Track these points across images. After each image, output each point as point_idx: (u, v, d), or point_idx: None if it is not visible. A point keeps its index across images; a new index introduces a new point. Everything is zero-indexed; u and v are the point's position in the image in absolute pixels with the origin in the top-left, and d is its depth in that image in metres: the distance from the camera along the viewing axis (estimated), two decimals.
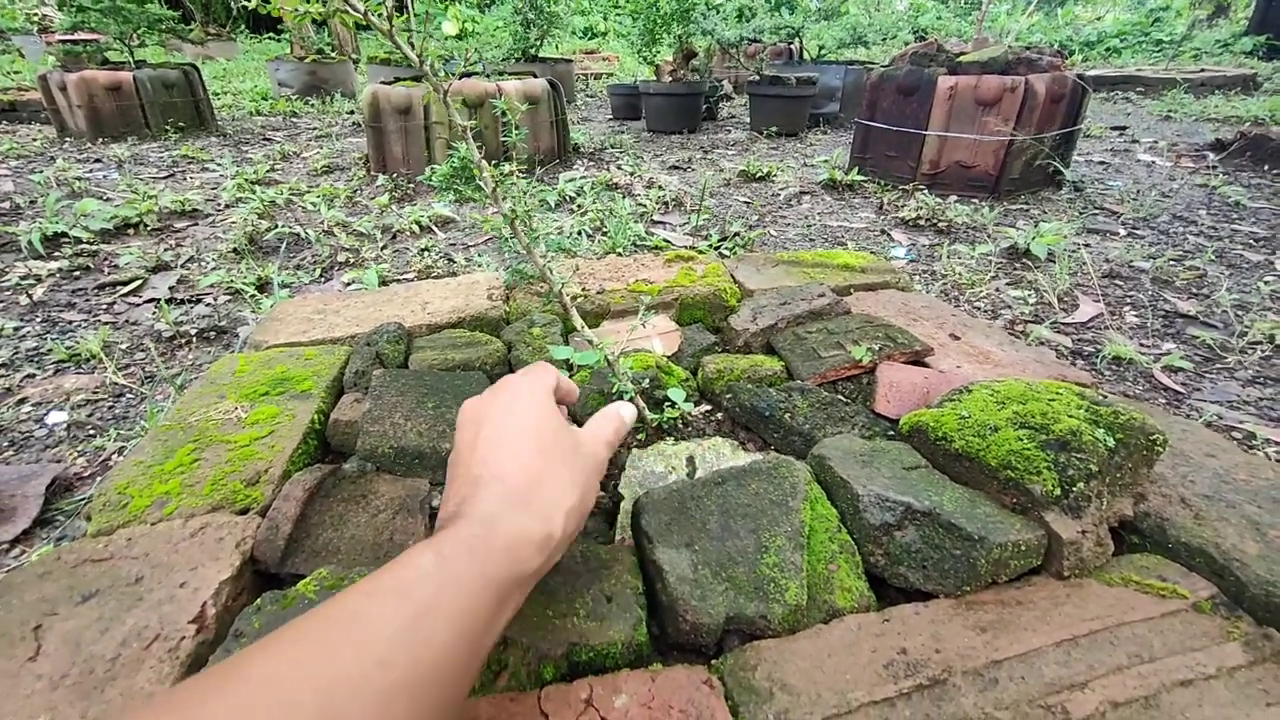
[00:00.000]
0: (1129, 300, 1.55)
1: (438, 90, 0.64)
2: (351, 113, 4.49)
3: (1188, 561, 0.55)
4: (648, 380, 0.82)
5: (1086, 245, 1.93)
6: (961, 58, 2.46)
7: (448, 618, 0.35)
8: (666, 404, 0.80)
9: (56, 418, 1.07)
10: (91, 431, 1.04)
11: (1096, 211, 2.27)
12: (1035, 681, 0.46)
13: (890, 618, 0.52)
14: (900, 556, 0.55)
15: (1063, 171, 2.39)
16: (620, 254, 1.71)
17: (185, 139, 3.48)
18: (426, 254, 1.77)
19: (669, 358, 0.95)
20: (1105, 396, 0.65)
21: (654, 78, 3.90)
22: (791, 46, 4.92)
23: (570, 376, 0.85)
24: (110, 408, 1.10)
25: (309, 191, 2.35)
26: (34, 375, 1.18)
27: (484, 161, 0.67)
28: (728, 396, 0.82)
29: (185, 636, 0.49)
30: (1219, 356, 1.27)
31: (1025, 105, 2.30)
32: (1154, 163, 3.04)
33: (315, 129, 3.90)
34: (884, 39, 7.39)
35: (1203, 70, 5.99)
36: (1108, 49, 8.63)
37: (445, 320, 1.03)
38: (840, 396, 0.82)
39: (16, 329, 1.35)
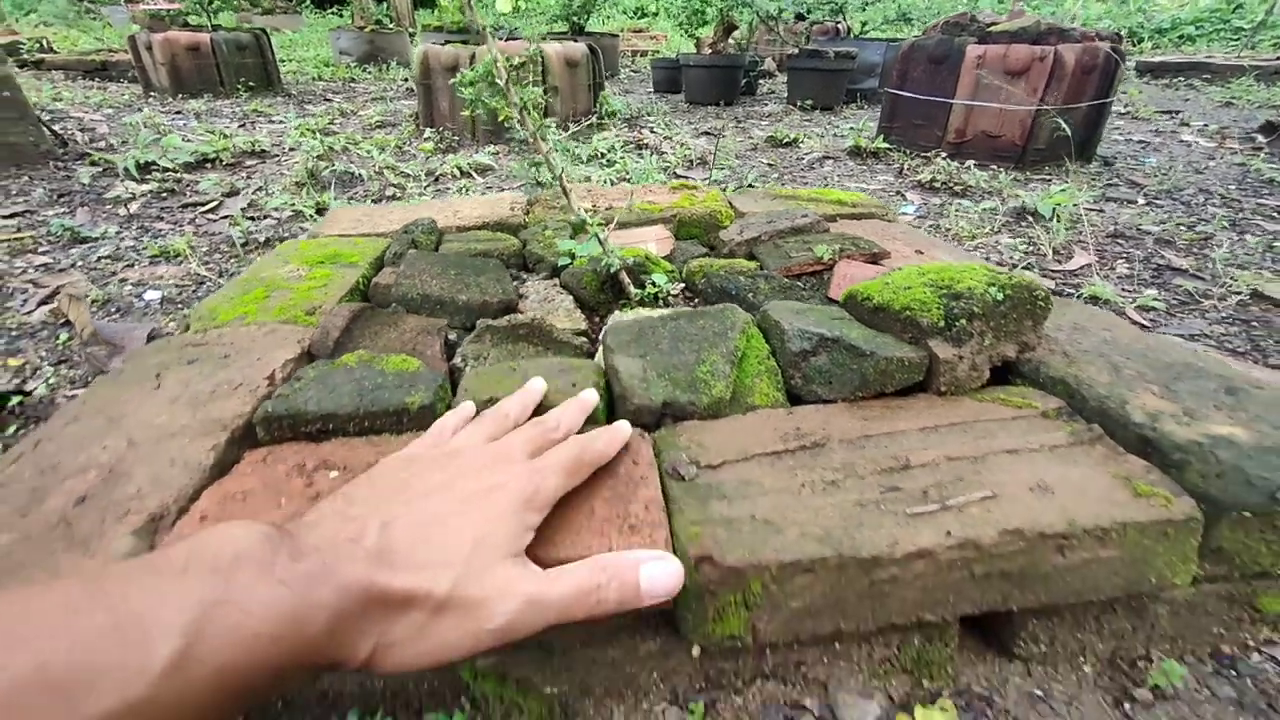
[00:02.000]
0: (1125, 255, 1.61)
1: (490, 48, 0.78)
2: (406, 80, 4.73)
3: (1050, 389, 0.67)
4: (634, 262, 0.96)
5: (1100, 210, 1.97)
6: (992, 28, 2.48)
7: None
8: (650, 284, 0.95)
9: (152, 295, 1.28)
10: (180, 306, 1.25)
11: (1120, 183, 2.29)
12: (894, 446, 0.59)
13: (794, 412, 0.65)
14: (813, 376, 0.69)
15: (1065, 131, 2.40)
16: (631, 183, 1.84)
17: (255, 97, 3.76)
18: (466, 193, 1.95)
19: (663, 259, 1.09)
20: (1012, 272, 0.77)
21: (694, 50, 3.99)
22: (838, 25, 4.93)
23: (571, 264, 1.00)
24: (194, 291, 1.31)
25: (363, 141, 2.56)
26: (132, 265, 1.41)
27: (503, 67, 0.82)
28: (702, 280, 0.96)
29: (259, 385, 0.66)
30: (1195, 301, 1.34)
31: (1054, 75, 2.33)
32: (1196, 143, 2.99)
33: (371, 92, 4.15)
34: (934, 17, 7.24)
35: (1279, 58, 5.69)
36: (1181, 36, 8.23)
37: (472, 224, 1.19)
38: (800, 285, 0.94)
39: (117, 233, 1.58)
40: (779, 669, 0.56)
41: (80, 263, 1.40)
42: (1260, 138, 3.01)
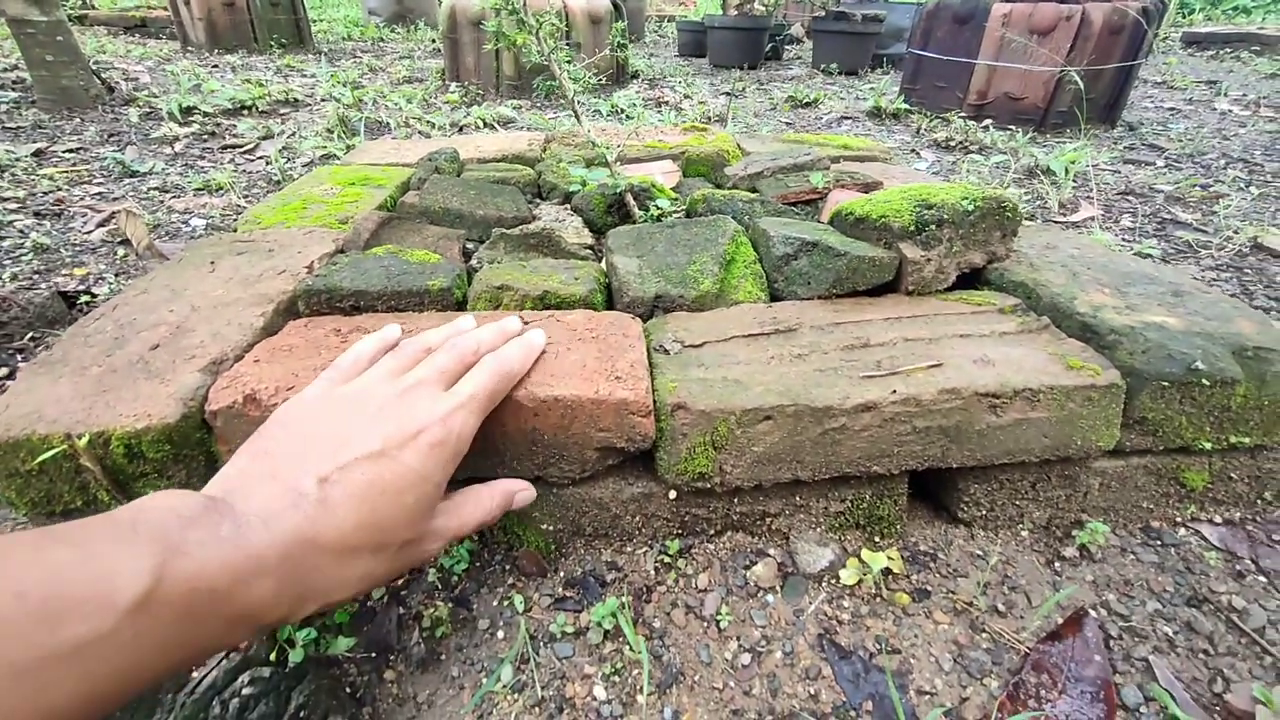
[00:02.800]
0: (1131, 210, 1.62)
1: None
2: (433, 39, 4.76)
3: (1012, 292, 0.73)
4: (640, 187, 1.03)
5: (1115, 171, 1.96)
6: None
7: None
8: (654, 207, 1.01)
9: (197, 222, 1.38)
10: (223, 229, 1.34)
11: (1142, 147, 2.27)
12: (858, 331, 0.65)
13: (773, 306, 0.72)
14: (793, 278, 0.75)
15: (1080, 86, 2.37)
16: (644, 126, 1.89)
17: (287, 53, 3.84)
18: (489, 135, 2.02)
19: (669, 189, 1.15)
20: (990, 189, 0.82)
21: (720, 12, 3.96)
22: None
23: (583, 189, 1.07)
24: (234, 218, 1.41)
25: (391, 94, 2.63)
26: (179, 196, 1.51)
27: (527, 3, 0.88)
28: (702, 204, 1.02)
29: (299, 271, 0.75)
30: (1193, 250, 1.36)
31: (1079, 35, 2.30)
32: (1230, 110, 2.92)
33: (399, 51, 4.20)
34: None
35: None
36: (1235, 7, 7.86)
37: (492, 156, 1.26)
38: (794, 209, 1.00)
39: (164, 169, 1.68)
40: (746, 520, 0.64)
41: (132, 193, 1.51)
42: None
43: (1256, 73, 4.27)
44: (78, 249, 1.22)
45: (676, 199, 1.08)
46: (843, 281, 0.72)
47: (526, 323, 0.66)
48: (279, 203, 0.97)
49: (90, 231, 1.28)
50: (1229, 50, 5.28)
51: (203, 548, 0.32)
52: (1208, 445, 0.60)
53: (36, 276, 1.11)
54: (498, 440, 0.56)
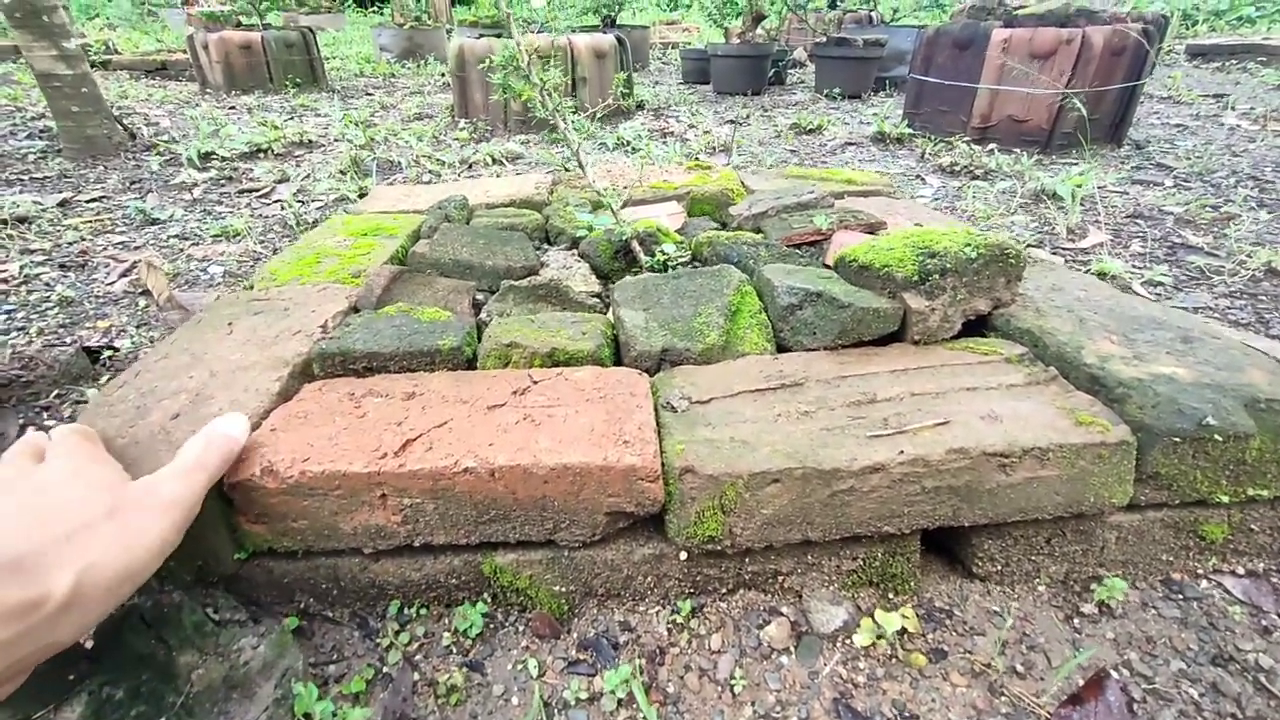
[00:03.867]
0: (1141, 235, 1.61)
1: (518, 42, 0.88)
2: (442, 74, 4.88)
3: (1018, 339, 0.73)
4: (646, 233, 1.04)
5: (1124, 193, 1.96)
6: (1019, 11, 2.47)
7: None
8: (659, 253, 1.03)
9: (215, 269, 1.41)
10: (240, 279, 1.38)
11: (1149, 167, 2.26)
12: (864, 385, 0.66)
13: (779, 358, 0.73)
14: (798, 328, 0.76)
15: (1082, 111, 2.37)
16: (649, 164, 1.92)
17: (301, 92, 3.95)
18: (499, 179, 2.06)
19: (675, 232, 1.16)
20: (992, 235, 0.82)
21: (723, 39, 4.03)
22: (870, 12, 4.89)
23: (589, 236, 1.09)
24: (251, 265, 1.44)
25: (402, 132, 2.69)
26: (197, 244, 1.55)
27: (526, 52, 0.91)
28: (708, 249, 1.03)
29: (314, 332, 0.77)
30: (1205, 276, 1.35)
31: (1080, 58, 2.31)
32: (1239, 126, 2.91)
33: (410, 87, 4.31)
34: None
35: None
36: (1239, 18, 7.86)
37: (500, 201, 1.29)
38: (798, 253, 1.01)
39: (183, 215, 1.73)
40: (758, 579, 0.64)
41: (153, 242, 1.55)
42: None
43: (1264, 84, 4.26)
44: (101, 301, 1.25)
45: (681, 242, 1.10)
46: (848, 333, 0.73)
47: (535, 381, 0.67)
48: (294, 257, 1.00)
49: (113, 283, 1.32)
50: (1235, 61, 5.27)
51: None
52: (1225, 499, 0.60)
53: (62, 330, 1.14)
54: (509, 506, 0.56)
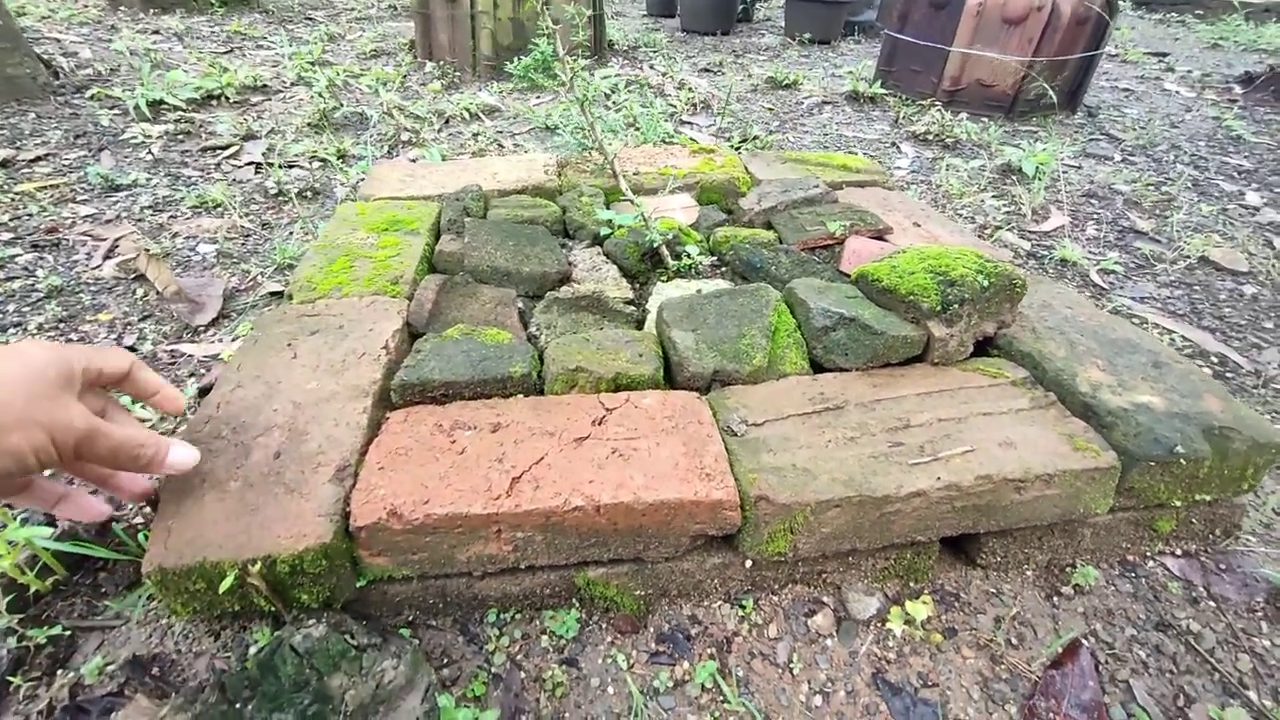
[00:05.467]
0: (1095, 217, 1.76)
1: None
2: None
3: (1020, 361, 0.84)
4: (672, 236, 1.09)
5: (1078, 167, 2.10)
6: None
7: None
8: (684, 255, 1.08)
9: (205, 249, 1.36)
10: (235, 259, 1.33)
11: (1101, 137, 2.41)
12: (897, 409, 0.76)
13: (818, 379, 0.82)
14: (832, 348, 0.84)
15: (1051, 96, 2.49)
16: (653, 145, 1.92)
17: (230, 14, 3.57)
18: (478, 138, 1.99)
19: (689, 226, 1.21)
20: (998, 261, 0.92)
21: None
22: None
23: (612, 234, 1.12)
24: (242, 243, 1.39)
25: (362, 74, 2.52)
26: (175, 216, 1.47)
27: (565, 55, 0.90)
28: (730, 252, 1.09)
29: (379, 354, 0.80)
30: (1150, 264, 1.51)
31: (1049, 25, 2.38)
32: (1177, 92, 3.09)
33: (353, 9, 3.95)
34: None
35: None
36: None
37: (512, 187, 1.28)
38: (814, 258, 1.08)
39: (148, 179, 1.62)
40: (805, 575, 0.75)
41: (125, 214, 1.46)
42: (1238, 88, 3.12)
43: (1200, 40, 4.47)
44: (93, 289, 1.20)
45: (702, 242, 1.15)
46: (879, 357, 0.82)
47: (609, 409, 0.73)
48: (323, 260, 0.99)
49: (98, 266, 1.26)
50: (1175, 14, 5.47)
51: None
52: (1178, 503, 0.74)
53: (63, 325, 1.10)
54: (609, 534, 0.64)
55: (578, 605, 0.72)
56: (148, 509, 0.77)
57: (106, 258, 1.28)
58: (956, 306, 0.81)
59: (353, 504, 0.61)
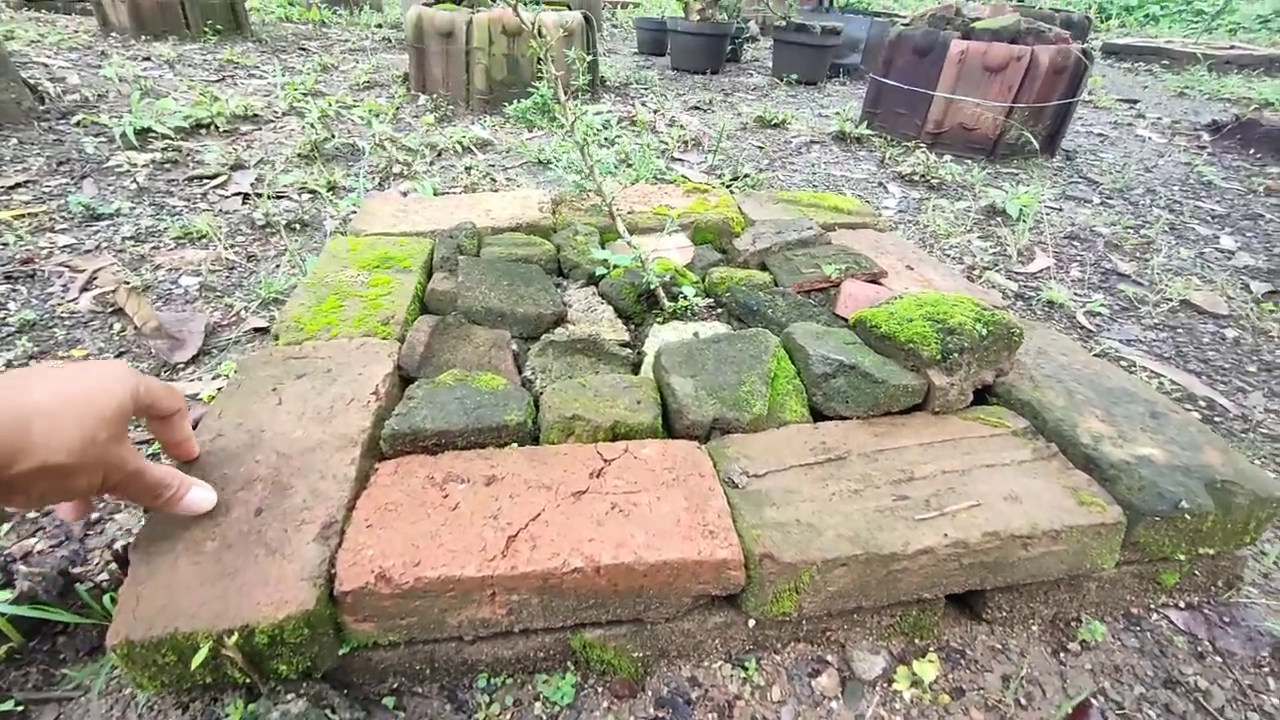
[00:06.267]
0: (1078, 259, 1.80)
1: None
2: (380, 26, 4.54)
3: (1020, 410, 0.83)
4: (668, 277, 1.08)
5: (1059, 209, 2.15)
6: (976, 23, 2.59)
7: None
8: (680, 297, 1.07)
9: (189, 281, 1.33)
10: (219, 294, 1.30)
11: (1079, 180, 2.48)
12: (900, 460, 0.74)
13: (819, 427, 0.80)
14: (832, 395, 0.83)
15: (1033, 142, 2.57)
16: (646, 183, 1.93)
17: (224, 42, 3.58)
18: (471, 172, 1.99)
19: (685, 266, 1.20)
20: (994, 308, 0.92)
21: (682, 15, 3.96)
22: None
23: (607, 274, 1.11)
24: (226, 276, 1.36)
25: (355, 106, 2.53)
26: (158, 247, 1.44)
27: (566, 99, 0.90)
28: (727, 294, 1.08)
29: (368, 400, 0.77)
30: (1134, 306, 1.54)
31: (1028, 74, 2.47)
32: (1150, 138, 3.20)
33: (346, 40, 3.99)
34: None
35: (1232, 47, 5.94)
36: (1146, 15, 8.46)
37: (506, 225, 1.28)
38: (810, 301, 1.08)
39: (131, 209, 1.59)
40: (809, 634, 0.72)
41: (105, 244, 1.43)
42: (1205, 135, 3.25)
43: (1167, 89, 4.66)
44: (68, 323, 1.16)
45: (697, 283, 1.14)
46: (880, 405, 0.81)
47: (607, 461, 0.71)
48: (312, 300, 0.97)
49: (75, 298, 1.22)
50: (1142, 63, 5.72)
51: None
52: (1182, 557, 0.73)
53: (32, 362, 1.06)
54: (608, 596, 0.61)
55: (573, 668, 0.69)
56: (114, 565, 0.72)
57: (84, 290, 1.24)
58: (956, 355, 0.81)
59: (338, 566, 0.57)
